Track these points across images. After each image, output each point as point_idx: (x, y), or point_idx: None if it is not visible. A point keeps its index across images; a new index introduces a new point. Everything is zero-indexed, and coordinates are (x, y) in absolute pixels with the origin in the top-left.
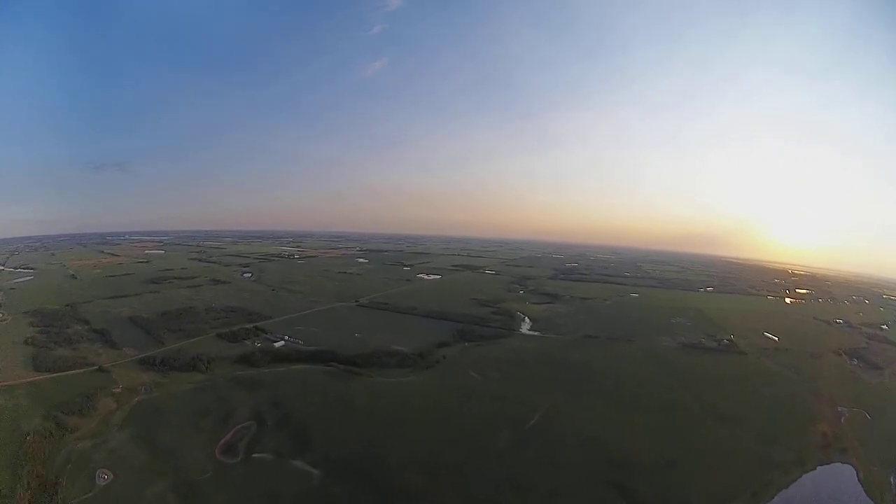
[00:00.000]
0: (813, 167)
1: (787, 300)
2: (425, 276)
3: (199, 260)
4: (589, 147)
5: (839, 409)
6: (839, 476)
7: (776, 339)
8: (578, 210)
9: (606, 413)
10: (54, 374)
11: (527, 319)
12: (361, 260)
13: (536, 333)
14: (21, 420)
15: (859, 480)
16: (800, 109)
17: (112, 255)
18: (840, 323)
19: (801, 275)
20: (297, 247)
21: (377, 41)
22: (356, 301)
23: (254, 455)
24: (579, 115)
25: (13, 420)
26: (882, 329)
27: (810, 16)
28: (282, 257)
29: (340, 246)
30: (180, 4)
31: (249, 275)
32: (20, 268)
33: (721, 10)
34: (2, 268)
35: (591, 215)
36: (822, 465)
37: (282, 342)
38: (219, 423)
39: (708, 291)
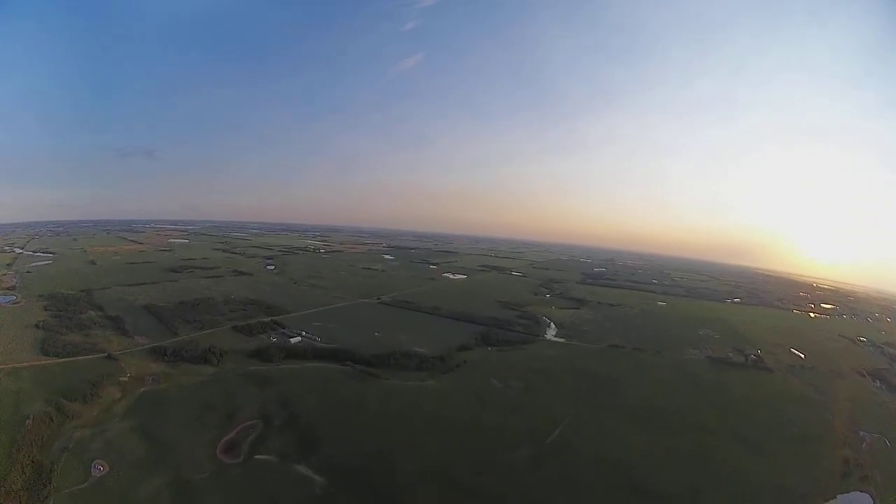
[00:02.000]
0: (842, 178)
1: (812, 315)
2: (451, 276)
3: (223, 250)
4: (617, 151)
5: (861, 433)
6: None
7: (802, 356)
8: (606, 214)
9: (629, 431)
10: (62, 359)
11: (552, 325)
12: (388, 256)
13: (562, 340)
14: (22, 403)
15: None
16: (832, 118)
17: (135, 242)
18: (864, 342)
19: (825, 289)
20: (324, 241)
21: (411, 37)
22: (379, 298)
23: (256, 456)
24: (608, 118)
25: (14, 403)
26: None
27: (842, 20)
28: (307, 251)
29: (367, 241)
30: None
31: (272, 267)
32: (39, 252)
33: (753, 14)
34: (21, 251)
35: (618, 220)
36: (841, 494)
37: (298, 338)
38: (224, 420)
39: (735, 303)
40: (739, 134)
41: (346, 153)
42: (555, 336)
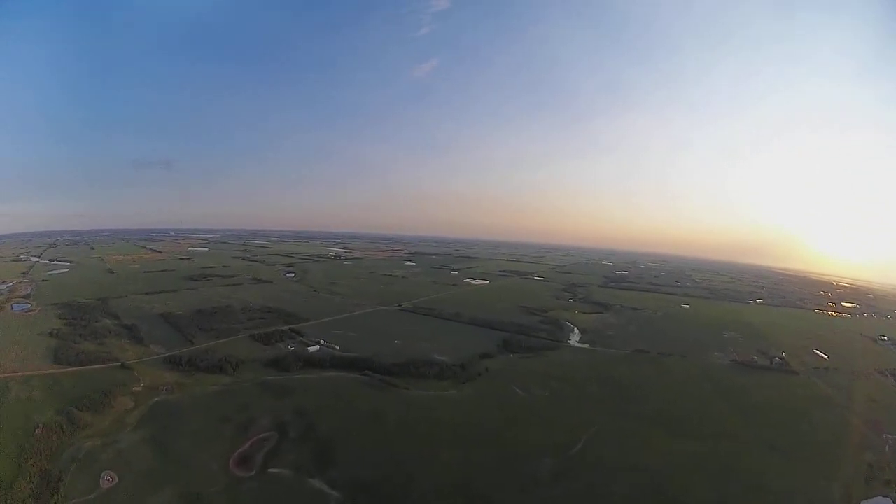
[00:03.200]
0: (857, 172)
1: (834, 314)
2: (473, 281)
3: (243, 258)
4: (640, 153)
5: (884, 436)
6: None
7: (826, 357)
8: (627, 216)
9: (655, 439)
10: (75, 368)
11: (576, 330)
12: (409, 263)
13: (585, 346)
14: (32, 412)
15: None
16: (847, 108)
17: (154, 250)
18: (885, 340)
19: (845, 287)
20: (345, 248)
21: (425, 42)
22: (399, 305)
23: (270, 469)
24: (630, 120)
25: (24, 411)
26: None
27: (853, 6)
28: (327, 258)
29: (388, 248)
30: (228, 6)
31: (292, 275)
32: (56, 260)
33: (765, 11)
34: (37, 260)
35: (638, 222)
36: (865, 500)
37: (317, 347)
38: (238, 431)
39: (758, 303)
40: (753, 129)
41: (367, 160)
42: (578, 341)
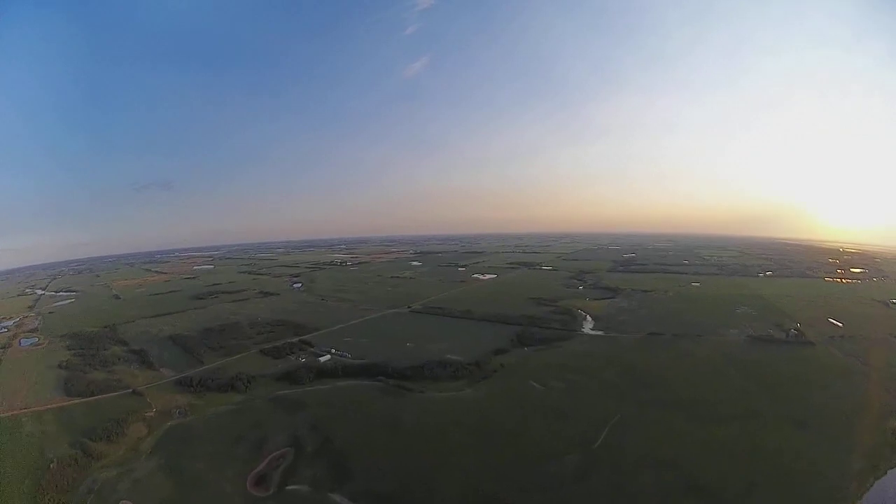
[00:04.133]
0: (854, 136)
1: (843, 281)
2: (481, 277)
3: (249, 272)
4: (635, 135)
5: None
6: None
7: (840, 324)
8: (629, 199)
9: (678, 425)
10: (86, 399)
11: (588, 318)
12: (415, 263)
13: (599, 333)
14: (46, 447)
15: None
16: (844, 79)
17: (159, 273)
18: (895, 304)
19: (852, 253)
20: (351, 253)
21: (414, 41)
22: (409, 307)
23: (288, 487)
24: (623, 103)
25: (38, 447)
26: None
27: None
28: (334, 265)
29: (394, 250)
30: (214, 14)
31: (299, 285)
32: (62, 291)
33: None
34: (42, 292)
35: (641, 203)
36: (891, 469)
37: (328, 356)
38: (253, 451)
39: (767, 276)
40: (745, 103)
41: (365, 162)
42: (592, 329)
